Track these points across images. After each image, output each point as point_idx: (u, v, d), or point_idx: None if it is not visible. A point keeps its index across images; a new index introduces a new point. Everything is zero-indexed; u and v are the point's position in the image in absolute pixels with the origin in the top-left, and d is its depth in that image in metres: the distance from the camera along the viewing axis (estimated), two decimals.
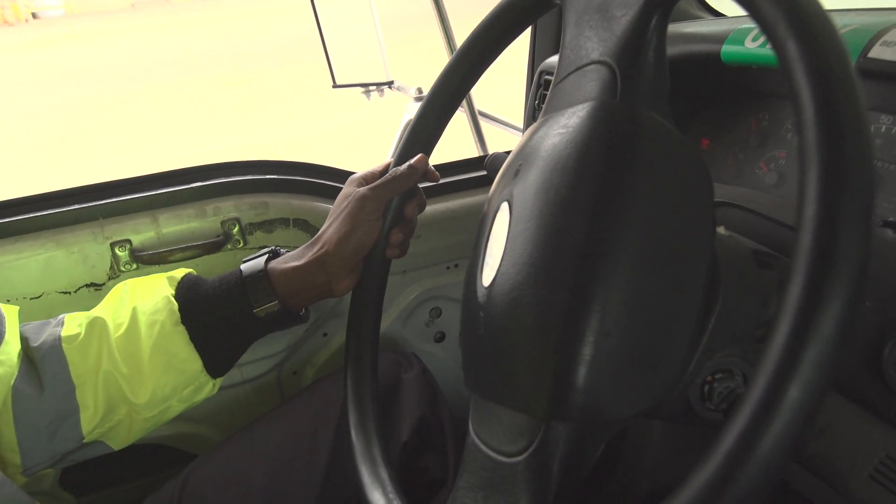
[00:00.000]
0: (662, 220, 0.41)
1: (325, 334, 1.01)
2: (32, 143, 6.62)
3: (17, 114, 7.96)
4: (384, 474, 0.55)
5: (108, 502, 0.99)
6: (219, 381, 0.69)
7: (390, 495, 0.53)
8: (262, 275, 0.65)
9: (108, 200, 0.84)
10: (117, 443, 0.66)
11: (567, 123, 0.45)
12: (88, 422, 0.62)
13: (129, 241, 0.85)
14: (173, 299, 0.64)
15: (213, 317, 0.65)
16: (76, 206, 0.83)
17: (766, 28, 0.33)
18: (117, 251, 0.85)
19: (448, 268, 1.05)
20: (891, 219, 0.54)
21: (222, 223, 0.88)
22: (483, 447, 0.46)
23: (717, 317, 0.46)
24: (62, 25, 19.69)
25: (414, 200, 0.67)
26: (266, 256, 0.67)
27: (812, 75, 0.30)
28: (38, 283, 0.83)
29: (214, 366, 0.66)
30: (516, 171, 0.48)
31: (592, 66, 0.46)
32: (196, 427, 0.98)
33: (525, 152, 0.49)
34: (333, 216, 0.66)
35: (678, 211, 0.42)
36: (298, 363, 1.01)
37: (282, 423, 0.83)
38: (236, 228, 0.89)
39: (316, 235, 0.66)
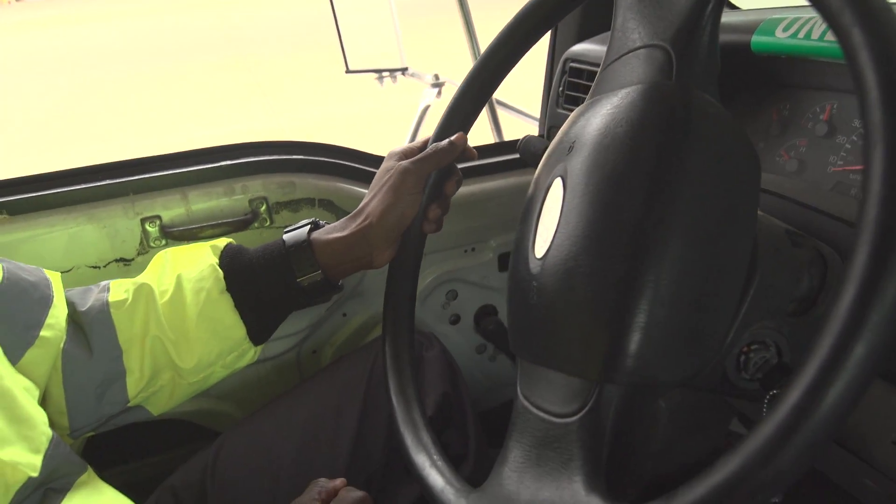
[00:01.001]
0: (713, 199, 0.44)
1: (344, 314, 1.03)
2: (24, 127, 6.54)
3: (11, 96, 7.85)
4: (426, 438, 0.57)
5: (128, 477, 1.01)
6: (259, 348, 0.70)
7: (434, 457, 0.55)
8: (306, 245, 0.67)
9: (139, 177, 0.86)
10: (157, 408, 0.68)
11: (620, 104, 0.47)
12: (134, 385, 0.64)
13: (159, 217, 0.86)
14: (218, 267, 0.66)
15: (257, 285, 0.66)
16: (107, 182, 0.85)
17: (831, 17, 0.35)
18: (147, 227, 0.86)
19: (465, 251, 1.07)
20: None
21: (250, 202, 0.90)
22: (534, 409, 0.48)
23: (754, 290, 0.48)
24: (47, 8, 19.40)
25: (452, 178, 0.69)
26: (308, 227, 0.69)
27: (876, 61, 0.32)
28: (69, 256, 0.84)
29: (257, 333, 0.68)
30: (569, 148, 0.50)
31: (645, 50, 0.48)
32: (217, 403, 0.99)
33: (576, 131, 0.50)
34: (376, 188, 0.67)
35: (728, 190, 0.44)
36: (318, 342, 1.03)
37: (307, 399, 0.85)
38: (263, 207, 0.90)
39: (358, 207, 0.68)
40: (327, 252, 0.67)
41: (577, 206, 0.46)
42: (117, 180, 0.85)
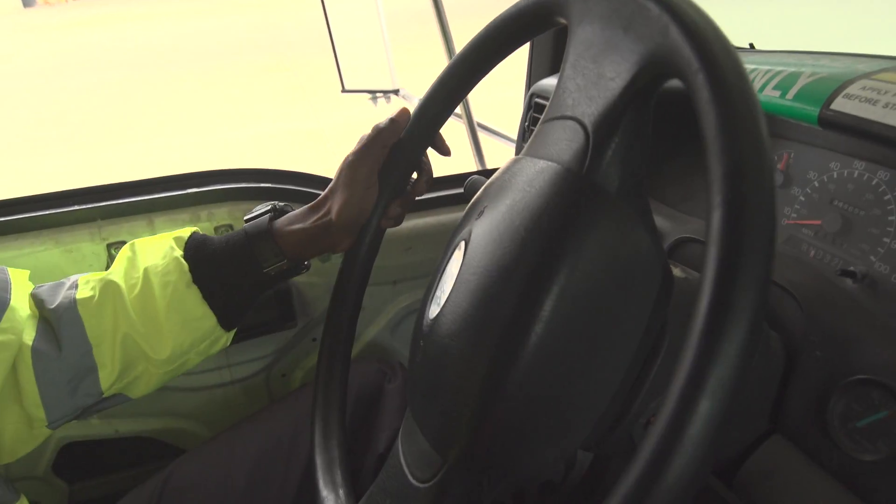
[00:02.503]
0: (599, 309, 0.41)
1: (314, 339, 1.04)
2: (86, 121, 6.71)
3: (74, 92, 8.11)
4: (335, 450, 0.60)
5: (99, 490, 1.03)
6: (232, 332, 0.72)
7: (335, 473, 0.58)
8: (268, 236, 0.68)
9: (107, 203, 0.87)
10: (136, 394, 0.70)
11: (532, 182, 0.46)
12: (107, 378, 0.66)
13: (124, 243, 0.88)
14: (183, 260, 0.67)
15: (223, 276, 0.68)
16: (76, 207, 0.86)
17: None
18: (113, 252, 0.88)
19: None
20: (851, 268, 0.54)
21: (216, 229, 0.91)
22: (402, 459, 0.49)
23: (662, 359, 0.47)
24: (101, 6, 20.04)
25: (422, 176, 0.69)
26: (269, 216, 0.70)
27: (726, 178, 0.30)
28: (37, 280, 0.86)
29: (227, 320, 0.69)
30: (480, 212, 0.49)
31: (572, 123, 0.46)
32: (185, 423, 1.01)
33: (493, 191, 0.49)
34: (334, 183, 0.68)
35: (617, 296, 0.42)
36: (287, 366, 1.04)
37: (264, 427, 0.85)
38: None
39: (319, 199, 0.68)
40: (290, 242, 0.68)
41: (466, 282, 0.46)
42: (85, 206, 0.87)
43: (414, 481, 0.47)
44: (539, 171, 0.46)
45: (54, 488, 0.99)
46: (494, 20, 0.57)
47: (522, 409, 0.42)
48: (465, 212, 0.54)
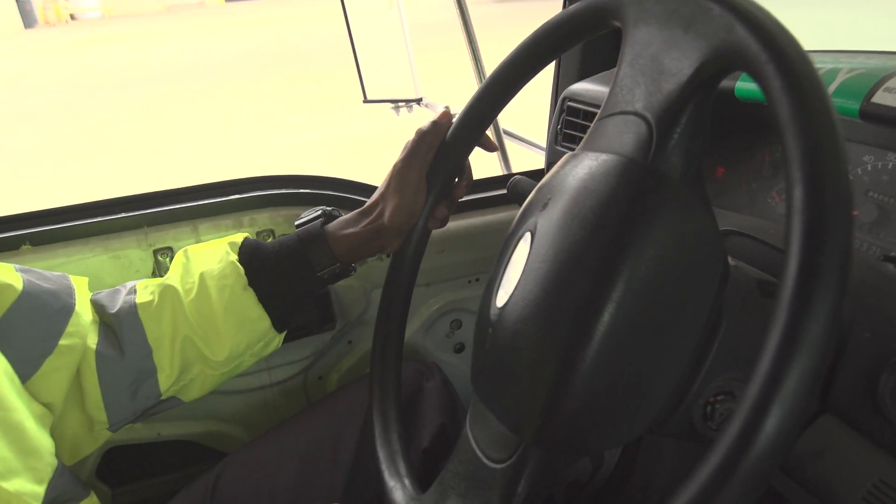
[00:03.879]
0: (666, 290, 0.44)
1: (349, 342, 1.06)
2: (128, 133, 6.77)
3: (104, 106, 8.17)
4: (394, 437, 0.62)
5: (140, 494, 1.05)
6: (283, 334, 0.75)
7: (396, 456, 0.60)
8: (321, 240, 0.70)
9: (152, 210, 0.90)
10: (189, 396, 0.73)
11: (597, 172, 0.48)
12: (165, 381, 0.68)
13: (170, 249, 0.90)
14: (239, 264, 0.69)
15: (278, 280, 0.70)
16: (123, 215, 0.89)
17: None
18: (160, 258, 0.90)
19: (469, 281, 1.09)
20: (892, 254, 0.57)
21: (258, 234, 0.93)
22: (473, 444, 0.51)
23: (719, 343, 0.49)
24: (101, 27, 20.18)
25: (463, 180, 0.72)
26: (321, 220, 0.72)
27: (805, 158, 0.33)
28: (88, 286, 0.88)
29: (280, 322, 0.72)
30: (545, 204, 0.51)
31: (633, 118, 0.48)
32: (226, 426, 1.03)
33: (555, 185, 0.52)
34: (384, 187, 0.70)
35: (682, 280, 0.44)
36: (324, 369, 1.06)
37: (308, 426, 0.87)
38: (270, 239, 0.94)
39: (370, 202, 0.71)
40: (342, 245, 0.70)
41: (535, 271, 0.48)
42: (132, 213, 0.89)
43: (489, 462, 0.49)
44: (602, 163, 0.48)
45: (98, 493, 1.00)
46: (546, 23, 0.59)
47: (595, 388, 0.44)
48: (524, 207, 0.56)
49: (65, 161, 5.90)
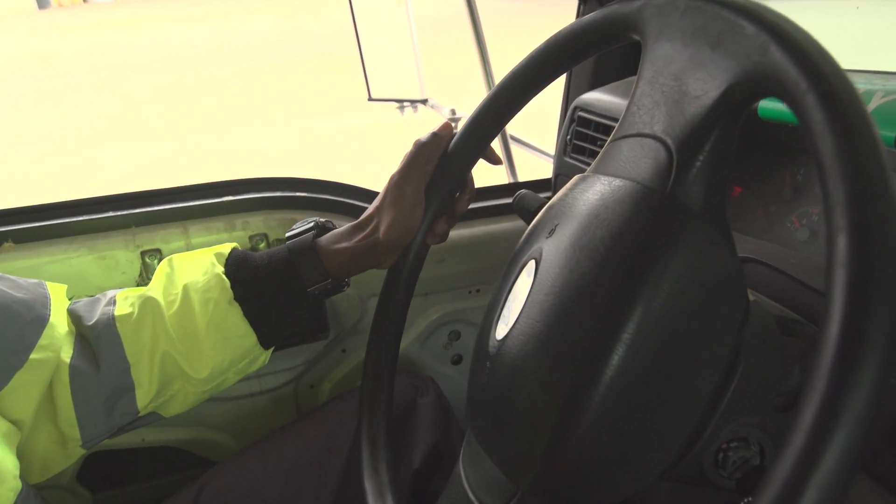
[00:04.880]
0: (682, 331, 0.40)
1: (343, 350, 1.02)
2: (157, 115, 6.81)
3: (128, 89, 8.20)
4: (383, 472, 0.58)
5: (123, 500, 1.02)
6: (270, 351, 0.71)
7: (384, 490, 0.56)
8: (313, 254, 0.66)
9: (141, 210, 0.86)
10: (170, 412, 0.69)
11: (610, 199, 0.44)
12: (143, 397, 0.64)
13: (158, 251, 0.87)
14: (225, 276, 0.65)
15: (266, 295, 0.66)
16: (110, 214, 0.85)
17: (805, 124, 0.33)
18: (147, 259, 0.87)
19: (470, 292, 1.05)
20: None
21: (250, 238, 0.90)
22: (465, 485, 0.48)
23: (736, 385, 0.45)
24: (114, 10, 20.17)
25: (465, 194, 0.68)
26: (313, 233, 0.68)
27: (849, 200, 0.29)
28: (70, 287, 0.85)
29: (267, 339, 0.68)
30: (551, 231, 0.47)
31: (652, 141, 0.44)
32: (213, 433, 1.00)
33: (563, 209, 0.48)
34: (380, 200, 0.67)
35: (700, 320, 0.41)
36: (316, 377, 1.02)
37: (297, 438, 0.84)
38: (263, 244, 0.90)
39: (365, 215, 0.67)
40: (335, 260, 0.66)
41: (539, 303, 0.44)
42: (119, 213, 0.86)
43: None
44: (616, 190, 0.45)
45: (78, 497, 0.97)
46: (559, 32, 0.55)
47: (600, 435, 0.41)
48: (528, 232, 0.53)
49: (97, 142, 5.91)
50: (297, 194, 0.92)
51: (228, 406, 0.99)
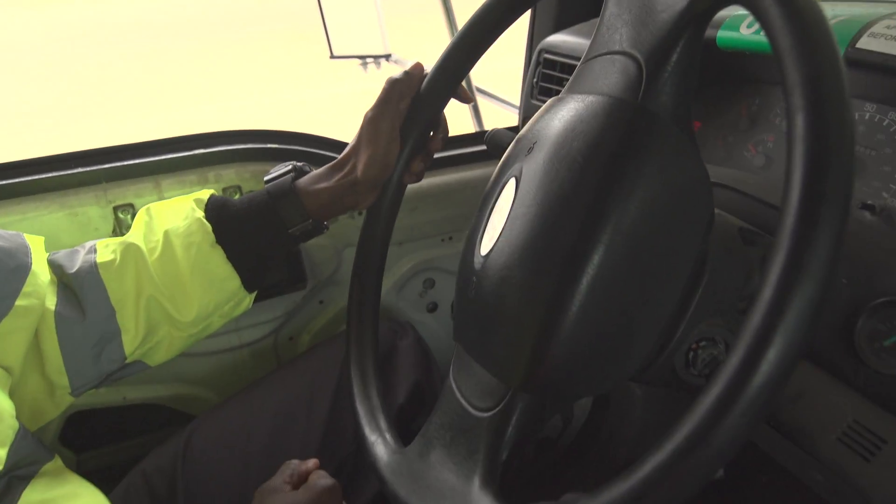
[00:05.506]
0: (654, 231, 0.44)
1: (320, 302, 1.04)
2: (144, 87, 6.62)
3: (110, 61, 7.94)
4: (373, 394, 0.62)
5: (106, 459, 1.02)
6: (253, 295, 0.72)
7: (376, 412, 0.59)
8: (293, 196, 0.67)
9: (112, 165, 0.86)
10: (155, 361, 0.70)
11: (584, 114, 0.47)
12: (130, 343, 0.65)
13: (131, 206, 0.86)
14: (206, 221, 0.66)
15: (247, 237, 0.67)
16: (80, 170, 0.85)
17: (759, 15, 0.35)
18: (120, 215, 0.86)
19: (442, 240, 1.07)
20: (869, 202, 0.57)
21: (224, 190, 0.90)
22: (457, 394, 0.51)
23: (703, 290, 0.49)
24: None
25: (438, 132, 0.69)
26: (291, 176, 0.69)
27: (806, 86, 0.32)
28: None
29: (250, 282, 0.69)
30: (529, 149, 0.50)
31: (622, 57, 0.47)
32: (194, 389, 1.01)
33: (540, 129, 0.50)
34: (357, 141, 0.68)
35: (672, 223, 0.44)
36: (295, 329, 1.04)
37: (281, 385, 0.86)
38: (237, 196, 0.90)
39: (342, 156, 0.68)
40: (315, 201, 0.67)
41: (522, 215, 0.47)
42: (89, 168, 0.85)
43: (475, 412, 0.48)
44: (589, 105, 0.47)
45: (62, 458, 0.97)
46: None
47: (583, 331, 0.44)
48: (507, 153, 0.55)
49: (66, 119, 5.73)
50: (269, 146, 0.92)
51: (209, 361, 1.00)
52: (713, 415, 0.30)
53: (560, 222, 0.44)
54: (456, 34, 0.65)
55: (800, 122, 0.31)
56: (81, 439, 0.99)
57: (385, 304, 1.08)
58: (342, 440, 0.82)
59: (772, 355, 0.29)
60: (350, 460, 0.82)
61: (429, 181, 1.01)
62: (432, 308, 1.12)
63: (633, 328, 0.45)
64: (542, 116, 0.52)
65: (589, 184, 0.44)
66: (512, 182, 0.50)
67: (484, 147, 1.05)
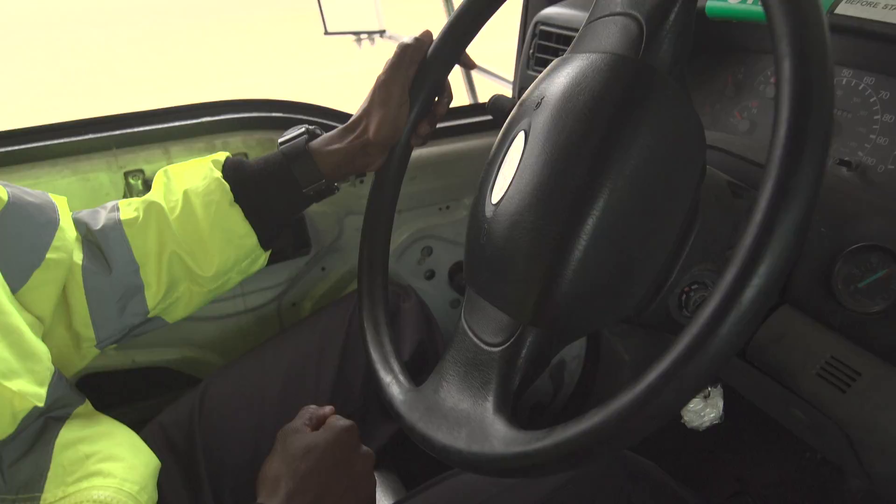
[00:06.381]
0: (655, 175, 0.48)
1: (323, 268, 1.07)
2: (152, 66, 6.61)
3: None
4: (385, 340, 0.65)
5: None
6: (268, 253, 0.75)
7: (389, 356, 0.63)
8: (307, 157, 0.70)
9: (122, 131, 0.88)
10: (173, 317, 0.73)
11: (588, 71, 0.51)
12: (152, 298, 0.69)
13: (141, 171, 0.89)
14: (224, 180, 0.69)
15: (264, 197, 0.71)
16: (90, 136, 0.87)
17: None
18: (131, 180, 0.89)
19: (440, 209, 1.11)
20: (846, 158, 0.62)
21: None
22: (470, 333, 0.55)
23: (695, 236, 0.54)
24: None
25: (443, 97, 0.73)
26: (305, 138, 0.72)
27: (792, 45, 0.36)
28: None
29: (267, 239, 0.73)
30: (537, 104, 0.54)
31: (622, 18, 0.51)
32: (201, 352, 1.04)
33: (547, 86, 0.54)
34: (368, 103, 0.71)
35: (670, 168, 0.49)
36: (298, 295, 1.07)
37: (289, 346, 0.89)
38: None
39: (353, 118, 0.71)
40: (328, 162, 0.71)
41: (531, 165, 0.51)
42: (100, 134, 0.87)
43: (487, 347, 0.53)
44: (593, 62, 0.51)
45: None
46: None
47: (589, 268, 0.48)
48: (515, 109, 0.59)
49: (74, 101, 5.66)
50: (275, 114, 0.95)
51: (215, 325, 1.03)
52: (717, 314, 0.35)
53: (568, 169, 0.48)
54: (461, 3, 0.69)
55: (786, 67, 0.35)
56: (91, 402, 1.02)
57: None
58: (350, 394, 0.86)
59: (763, 269, 0.34)
60: (358, 413, 0.85)
61: (428, 150, 1.05)
62: (430, 276, 1.16)
63: (633, 267, 0.50)
64: (548, 75, 0.56)
65: (595, 133, 0.48)
66: (521, 136, 0.54)
67: (480, 119, 1.09)
